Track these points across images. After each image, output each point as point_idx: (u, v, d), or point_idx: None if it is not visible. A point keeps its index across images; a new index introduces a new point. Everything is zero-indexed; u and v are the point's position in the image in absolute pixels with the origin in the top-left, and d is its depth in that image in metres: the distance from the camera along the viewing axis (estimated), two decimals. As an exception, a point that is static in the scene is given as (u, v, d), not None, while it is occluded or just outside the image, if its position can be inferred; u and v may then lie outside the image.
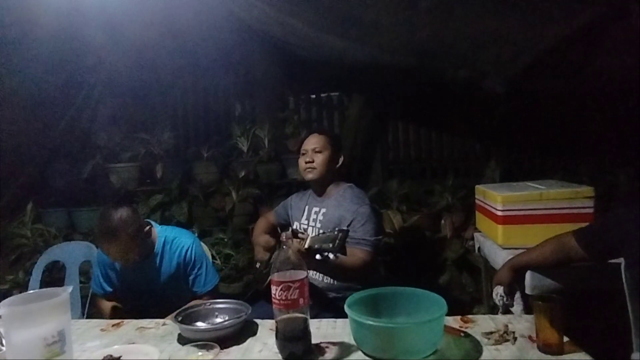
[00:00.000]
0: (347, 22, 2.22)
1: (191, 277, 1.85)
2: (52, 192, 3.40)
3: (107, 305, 1.89)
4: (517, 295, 1.59)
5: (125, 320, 1.52)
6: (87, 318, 2.13)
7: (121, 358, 1.10)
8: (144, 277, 1.83)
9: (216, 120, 3.94)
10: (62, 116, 3.47)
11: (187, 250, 1.83)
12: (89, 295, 2.22)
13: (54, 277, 2.56)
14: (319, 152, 1.89)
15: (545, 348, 1.12)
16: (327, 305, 1.81)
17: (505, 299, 1.52)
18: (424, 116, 3.73)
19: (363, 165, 3.70)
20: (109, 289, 1.89)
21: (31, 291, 1.25)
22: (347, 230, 1.49)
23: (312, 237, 1.48)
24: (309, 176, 1.91)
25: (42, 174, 3.47)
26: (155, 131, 3.51)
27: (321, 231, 1.83)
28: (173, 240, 1.85)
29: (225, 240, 3.15)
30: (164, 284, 1.84)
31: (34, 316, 1.07)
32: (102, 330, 1.44)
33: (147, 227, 1.79)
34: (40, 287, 2.29)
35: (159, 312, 1.60)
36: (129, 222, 1.67)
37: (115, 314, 1.83)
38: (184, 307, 1.50)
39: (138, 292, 1.85)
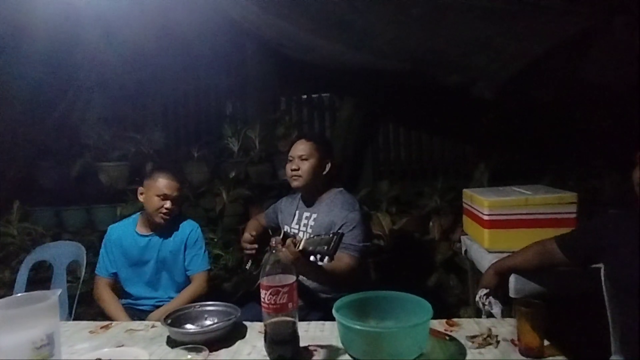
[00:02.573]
0: (339, 27, 2.24)
1: (189, 256, 2.05)
2: (40, 191, 3.37)
3: (106, 290, 2.03)
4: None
5: (114, 323, 1.53)
6: (74, 319, 2.12)
7: (110, 361, 1.11)
8: (147, 250, 2.03)
9: (207, 120, 3.93)
10: (51, 114, 3.44)
11: (192, 230, 2.08)
12: (77, 295, 2.21)
13: (40, 276, 2.54)
14: (305, 159, 1.88)
15: (526, 351, 1.15)
16: (317, 305, 1.82)
17: (488, 302, 1.55)
18: (414, 119, 3.77)
19: (354, 167, 3.73)
20: (112, 270, 2.06)
21: (19, 294, 1.25)
22: (342, 234, 1.49)
23: (306, 240, 1.48)
24: (294, 184, 1.92)
25: (30, 172, 3.44)
26: (146, 130, 3.50)
27: (314, 234, 1.84)
28: (182, 221, 2.11)
29: (215, 240, 3.15)
30: (162, 259, 2.03)
31: (23, 320, 1.07)
32: (90, 332, 1.44)
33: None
34: (27, 287, 2.28)
35: (149, 302, 2.00)
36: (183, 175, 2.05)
37: (111, 303, 1.98)
38: (173, 307, 1.52)
39: (137, 269, 2.04)
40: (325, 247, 1.40)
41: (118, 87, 3.68)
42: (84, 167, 3.35)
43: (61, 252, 2.36)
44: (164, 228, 2.04)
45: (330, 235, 1.42)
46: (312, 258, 1.54)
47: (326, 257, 1.41)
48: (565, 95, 2.86)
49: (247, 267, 1.93)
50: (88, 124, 3.58)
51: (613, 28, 1.94)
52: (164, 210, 1.97)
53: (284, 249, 1.40)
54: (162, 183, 1.98)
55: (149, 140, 3.44)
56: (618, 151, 2.90)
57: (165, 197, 1.97)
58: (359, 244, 1.77)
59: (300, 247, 1.45)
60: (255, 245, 1.86)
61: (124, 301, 2.05)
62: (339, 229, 1.77)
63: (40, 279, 2.50)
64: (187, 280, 2.06)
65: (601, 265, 1.44)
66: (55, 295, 1.15)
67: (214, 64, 3.64)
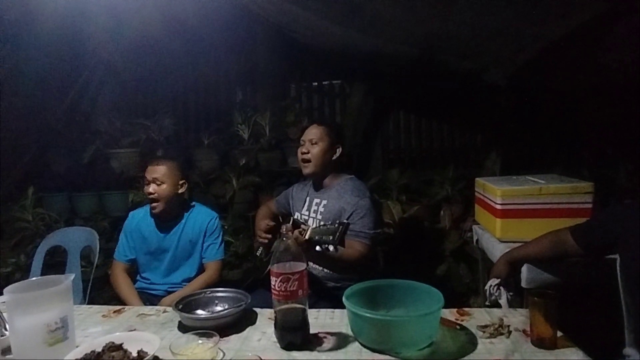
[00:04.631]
0: (350, 12, 2.20)
1: (206, 244, 2.07)
2: (53, 177, 3.41)
3: (122, 274, 2.05)
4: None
5: (126, 307, 1.55)
6: (88, 303, 2.16)
7: (122, 345, 1.12)
8: (166, 238, 2.04)
9: (217, 107, 3.92)
10: (62, 101, 3.46)
11: (211, 219, 2.09)
12: (90, 280, 2.25)
13: (55, 260, 2.58)
14: (315, 143, 1.89)
15: (538, 342, 1.14)
16: (326, 294, 1.83)
17: (497, 292, 1.54)
18: (425, 106, 3.72)
19: (364, 154, 3.71)
20: (131, 255, 2.08)
21: (34, 278, 1.27)
22: (348, 224, 1.49)
23: (312, 229, 1.49)
24: (305, 171, 1.93)
25: (43, 158, 3.48)
26: (156, 117, 3.50)
27: (322, 223, 1.84)
28: (202, 210, 2.11)
29: (226, 227, 3.16)
30: (181, 248, 2.05)
31: (38, 303, 1.09)
32: (103, 316, 1.46)
33: (183, 181, 2.05)
34: (42, 271, 2.32)
35: (162, 288, 2.02)
36: (176, 162, 2.07)
37: (126, 288, 2.00)
38: (184, 294, 1.54)
39: (156, 256, 2.06)
40: (331, 237, 1.41)
41: (128, 74, 3.68)
42: (96, 154, 3.38)
43: (75, 238, 2.40)
44: (184, 217, 2.06)
45: (336, 225, 1.43)
46: (318, 247, 1.54)
47: (331, 247, 1.41)
48: (581, 82, 2.80)
49: (258, 253, 1.94)
50: (99, 111, 3.60)
51: (631, 13, 1.87)
52: (149, 197, 1.97)
53: (292, 236, 1.40)
54: (147, 170, 1.98)
55: (160, 127, 3.44)
56: (634, 140, 2.85)
57: (148, 182, 1.97)
58: (369, 231, 1.77)
59: (307, 237, 1.45)
60: (269, 236, 1.86)
61: (137, 285, 2.08)
62: (349, 216, 1.77)
63: (55, 263, 2.54)
64: (203, 269, 2.08)
65: (616, 256, 1.41)
66: (68, 279, 1.16)
67: (223, 51, 3.62)
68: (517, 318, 1.31)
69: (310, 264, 1.85)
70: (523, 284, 1.66)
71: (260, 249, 1.92)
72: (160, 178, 1.97)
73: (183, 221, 2.06)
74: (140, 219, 2.10)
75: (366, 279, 1.34)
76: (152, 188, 1.96)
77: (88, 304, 2.02)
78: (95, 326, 1.38)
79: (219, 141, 3.49)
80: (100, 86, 3.67)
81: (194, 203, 2.15)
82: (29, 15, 2.70)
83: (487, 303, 1.58)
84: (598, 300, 1.62)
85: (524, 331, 1.22)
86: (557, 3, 1.95)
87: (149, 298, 2.02)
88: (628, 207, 1.39)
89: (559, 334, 1.16)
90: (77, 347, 1.15)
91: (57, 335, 1.11)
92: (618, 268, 1.41)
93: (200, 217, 2.08)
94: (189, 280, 2.05)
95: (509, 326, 1.24)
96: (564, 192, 1.88)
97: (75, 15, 2.73)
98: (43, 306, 1.10)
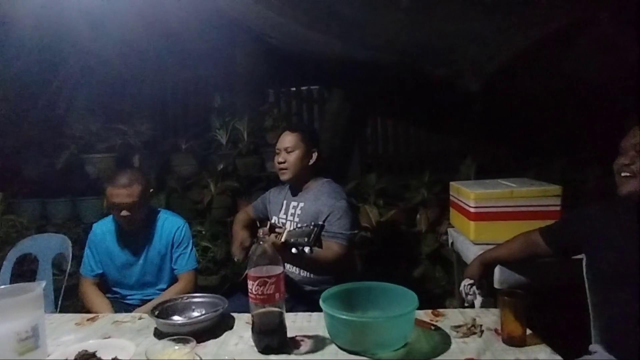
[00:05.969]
0: (329, 18, 2.24)
1: (175, 255, 1.97)
2: (24, 182, 3.33)
3: (92, 288, 1.95)
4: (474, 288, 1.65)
5: (101, 315, 1.52)
6: (60, 312, 2.10)
7: (96, 353, 1.10)
8: (133, 252, 1.95)
9: (195, 112, 3.90)
10: (36, 104, 3.38)
11: (178, 229, 1.98)
12: (62, 288, 2.19)
13: (25, 269, 2.51)
14: (291, 151, 1.90)
15: (509, 340, 1.18)
16: (303, 298, 1.84)
17: (472, 292, 1.58)
18: (402, 111, 3.78)
19: (342, 159, 3.74)
20: (98, 270, 1.97)
21: (4, 286, 1.24)
22: (323, 225, 1.52)
23: (288, 232, 1.51)
24: (282, 178, 1.95)
25: (15, 164, 3.38)
26: (133, 122, 3.45)
27: (298, 225, 1.85)
28: (167, 219, 2.00)
29: (203, 232, 3.15)
30: (150, 261, 1.96)
31: (7, 311, 1.07)
32: (77, 324, 1.43)
33: (151, 190, 1.97)
34: (11, 280, 2.25)
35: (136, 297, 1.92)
36: (142, 175, 1.91)
37: (98, 300, 1.90)
38: (160, 301, 1.51)
39: (124, 270, 1.97)
40: (306, 239, 1.42)
41: (105, 78, 3.62)
42: (70, 159, 3.30)
43: (46, 245, 2.34)
44: (151, 229, 1.96)
45: (311, 227, 1.45)
46: (294, 250, 1.55)
47: (307, 248, 1.43)
48: (551, 88, 2.90)
49: (236, 259, 1.94)
50: (74, 115, 3.52)
51: (598, 23, 1.97)
52: (121, 219, 1.87)
53: (269, 240, 1.41)
54: (111, 192, 1.83)
55: (136, 132, 3.39)
56: (602, 144, 2.96)
57: (115, 206, 1.84)
58: (346, 232, 1.79)
59: (283, 240, 1.47)
60: (244, 255, 1.87)
61: (110, 296, 2.00)
62: (326, 217, 1.79)
63: (25, 272, 2.47)
64: (176, 279, 1.99)
65: (582, 256, 1.47)
66: (40, 286, 1.14)
67: (202, 56, 3.61)
68: (489, 318, 1.35)
69: (288, 267, 1.86)
70: (495, 285, 1.71)
71: (236, 257, 1.94)
72: (133, 201, 1.83)
73: (150, 233, 1.95)
74: (104, 232, 1.98)
75: (344, 281, 1.35)
76: (125, 212, 1.83)
77: (60, 313, 1.97)
78: (68, 334, 1.35)
79: (196, 146, 3.47)
80: (76, 90, 3.60)
81: (159, 210, 2.04)
82: (4, 18, 2.64)
83: (465, 304, 1.62)
84: (565, 299, 1.68)
85: (496, 330, 1.25)
86: (528, 12, 2.03)
87: (124, 307, 1.96)
88: (593, 209, 1.45)
89: (528, 332, 1.20)
90: (49, 356, 1.13)
91: (27, 344, 1.09)
92: (584, 268, 1.47)
93: (167, 228, 1.97)
94: (162, 290, 1.98)
95: (481, 325, 1.27)
96: (534, 195, 1.94)
97: (51, 19, 2.67)
98: (13, 314, 1.07)
